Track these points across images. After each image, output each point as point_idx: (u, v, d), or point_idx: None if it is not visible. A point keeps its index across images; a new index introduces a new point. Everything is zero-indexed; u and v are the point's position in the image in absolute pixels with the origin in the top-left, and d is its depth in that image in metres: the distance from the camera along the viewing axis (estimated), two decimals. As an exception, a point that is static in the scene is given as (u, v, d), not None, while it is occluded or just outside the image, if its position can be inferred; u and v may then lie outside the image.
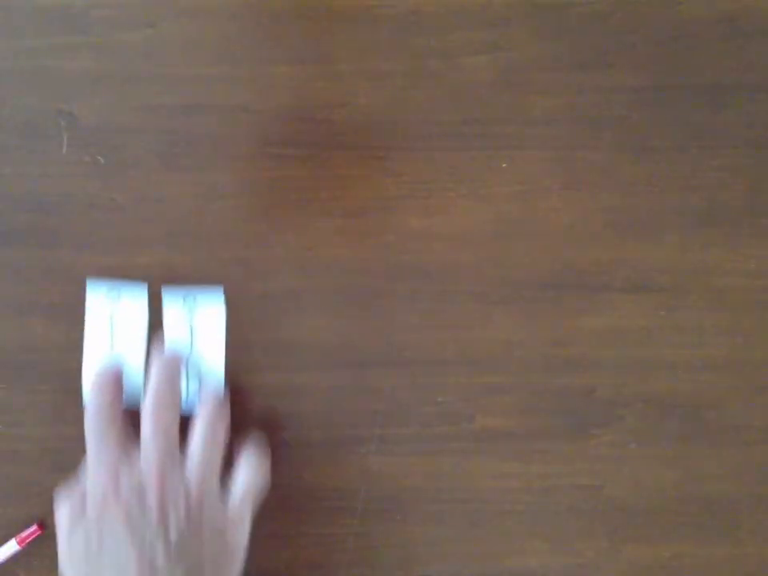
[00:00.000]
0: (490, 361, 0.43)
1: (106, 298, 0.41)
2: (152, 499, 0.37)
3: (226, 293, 0.42)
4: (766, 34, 0.42)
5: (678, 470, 0.43)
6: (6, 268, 0.43)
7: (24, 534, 0.44)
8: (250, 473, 0.40)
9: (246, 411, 0.43)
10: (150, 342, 0.42)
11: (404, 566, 0.44)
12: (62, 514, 0.39)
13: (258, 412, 0.44)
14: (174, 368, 0.41)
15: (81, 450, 0.44)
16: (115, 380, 0.41)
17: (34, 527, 0.44)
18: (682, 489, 0.43)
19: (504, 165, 0.42)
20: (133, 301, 0.42)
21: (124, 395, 0.41)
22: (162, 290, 0.42)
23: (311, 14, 0.42)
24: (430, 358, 0.43)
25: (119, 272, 0.43)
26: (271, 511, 0.44)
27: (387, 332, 0.43)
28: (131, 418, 0.40)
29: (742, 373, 0.43)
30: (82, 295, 0.43)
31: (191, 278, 0.43)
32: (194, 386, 0.42)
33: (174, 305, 0.42)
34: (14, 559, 0.44)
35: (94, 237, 0.43)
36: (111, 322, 0.41)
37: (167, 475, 0.38)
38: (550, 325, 0.43)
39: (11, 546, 0.44)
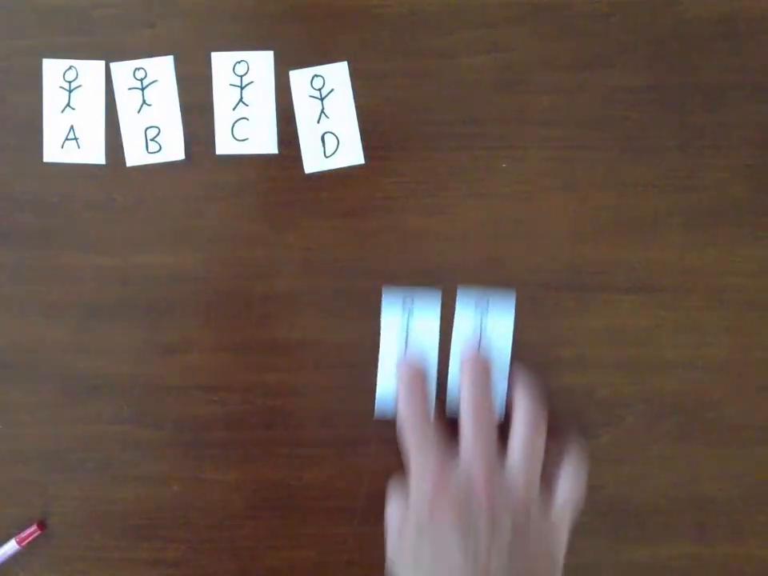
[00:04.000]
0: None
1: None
2: (480, 502, 0.36)
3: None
4: (765, 34, 0.42)
5: (678, 470, 0.43)
6: (6, 268, 0.43)
7: (24, 534, 0.44)
8: (572, 481, 0.39)
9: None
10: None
11: (404, 566, 0.44)
12: (392, 515, 0.40)
13: (258, 412, 0.44)
14: (488, 370, 0.40)
15: (81, 449, 0.44)
16: (425, 381, 0.40)
17: (34, 527, 0.44)
18: (682, 489, 0.43)
19: (504, 165, 0.42)
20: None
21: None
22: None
23: (311, 14, 0.42)
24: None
25: (119, 272, 0.43)
26: (271, 511, 0.44)
27: (387, 332, 0.43)
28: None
29: (741, 373, 0.43)
30: (82, 295, 0.43)
31: (191, 277, 0.43)
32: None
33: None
34: (13, 559, 0.44)
35: (94, 237, 0.43)
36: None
37: (494, 478, 0.37)
38: (550, 325, 0.43)
39: (11, 546, 0.44)
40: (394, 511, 0.40)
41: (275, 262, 0.43)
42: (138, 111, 0.42)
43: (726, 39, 0.42)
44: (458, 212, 0.43)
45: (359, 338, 0.43)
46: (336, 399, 0.43)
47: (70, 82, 0.42)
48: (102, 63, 0.42)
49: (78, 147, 0.42)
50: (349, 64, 0.42)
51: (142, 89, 0.42)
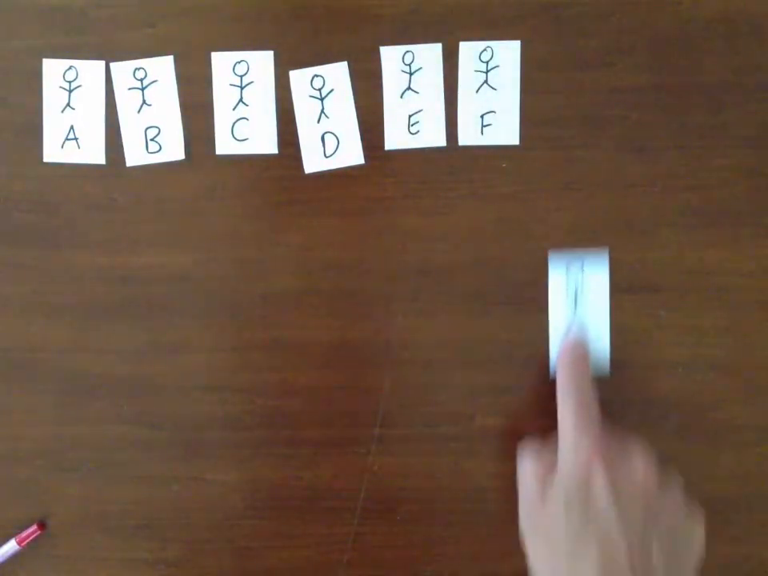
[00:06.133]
0: (490, 361, 0.43)
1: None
2: (637, 487, 0.37)
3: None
4: (765, 34, 0.41)
5: (677, 469, 0.43)
6: (6, 268, 0.43)
7: (24, 534, 0.44)
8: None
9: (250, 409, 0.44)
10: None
11: (404, 566, 0.44)
12: (529, 475, 0.40)
13: (258, 412, 0.44)
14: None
15: (81, 449, 0.44)
16: (586, 356, 0.41)
17: (34, 527, 0.44)
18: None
19: (504, 165, 0.42)
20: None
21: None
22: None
23: (311, 14, 0.42)
24: (430, 358, 0.43)
25: (119, 272, 0.43)
26: (271, 511, 0.44)
27: (387, 332, 0.43)
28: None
29: (741, 373, 0.43)
30: (82, 295, 0.43)
31: (191, 277, 0.43)
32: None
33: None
34: (14, 559, 0.44)
35: (93, 237, 0.43)
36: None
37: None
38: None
39: (11, 546, 0.44)
40: (532, 470, 0.40)
41: (275, 262, 0.43)
42: (138, 111, 0.42)
43: (726, 39, 0.42)
44: (458, 212, 0.43)
45: (359, 337, 0.43)
46: (336, 399, 0.43)
47: (70, 82, 0.42)
48: (102, 63, 0.42)
49: (78, 147, 0.42)
50: (349, 64, 0.42)
51: (142, 89, 0.42)
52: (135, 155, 0.42)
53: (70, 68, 0.42)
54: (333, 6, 0.42)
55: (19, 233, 0.43)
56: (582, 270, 0.41)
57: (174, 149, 0.42)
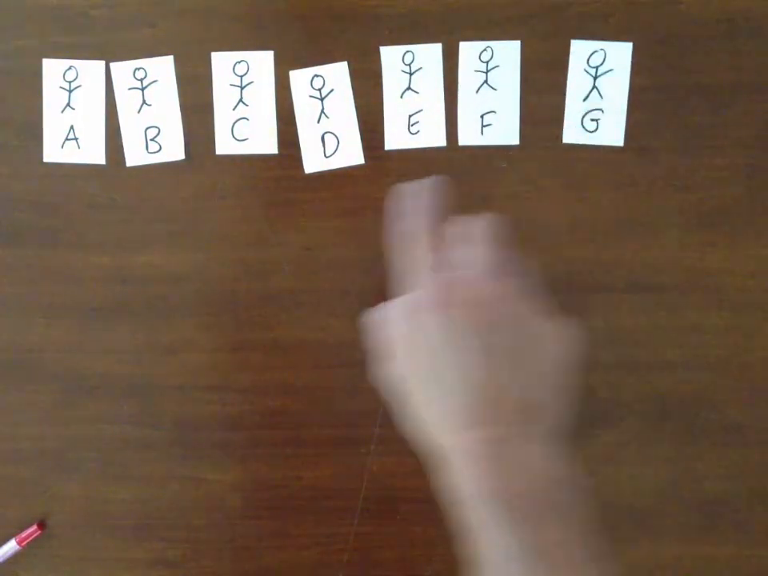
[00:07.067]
0: (490, 361, 0.43)
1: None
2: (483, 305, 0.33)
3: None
4: (765, 34, 0.41)
5: (677, 470, 0.43)
6: (6, 268, 0.43)
7: (24, 534, 0.44)
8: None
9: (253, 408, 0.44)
10: None
11: (404, 566, 0.44)
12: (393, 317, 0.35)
13: (258, 412, 0.44)
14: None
15: (81, 449, 0.44)
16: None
17: (34, 527, 0.44)
18: (682, 489, 0.43)
19: (504, 165, 0.42)
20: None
21: None
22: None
23: (311, 14, 0.42)
24: (430, 358, 0.43)
25: (119, 272, 0.43)
26: (271, 511, 0.44)
27: (387, 332, 0.43)
28: None
29: (742, 373, 0.43)
30: (82, 295, 0.43)
31: (191, 277, 0.43)
32: None
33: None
34: (14, 559, 0.44)
35: (93, 237, 0.43)
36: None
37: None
38: (550, 325, 0.43)
39: (11, 546, 0.44)
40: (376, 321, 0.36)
41: (275, 262, 0.43)
42: (138, 111, 0.42)
43: (726, 39, 0.42)
44: (458, 212, 0.43)
45: (359, 338, 0.43)
46: (336, 399, 0.43)
47: (70, 82, 0.42)
48: (102, 63, 0.42)
49: (78, 147, 0.42)
50: (349, 64, 0.42)
51: (142, 89, 0.42)
52: (135, 155, 0.42)
53: (70, 68, 0.42)
54: (333, 6, 0.42)
55: (19, 233, 0.43)
56: (604, 53, 0.41)
57: (174, 149, 0.42)
